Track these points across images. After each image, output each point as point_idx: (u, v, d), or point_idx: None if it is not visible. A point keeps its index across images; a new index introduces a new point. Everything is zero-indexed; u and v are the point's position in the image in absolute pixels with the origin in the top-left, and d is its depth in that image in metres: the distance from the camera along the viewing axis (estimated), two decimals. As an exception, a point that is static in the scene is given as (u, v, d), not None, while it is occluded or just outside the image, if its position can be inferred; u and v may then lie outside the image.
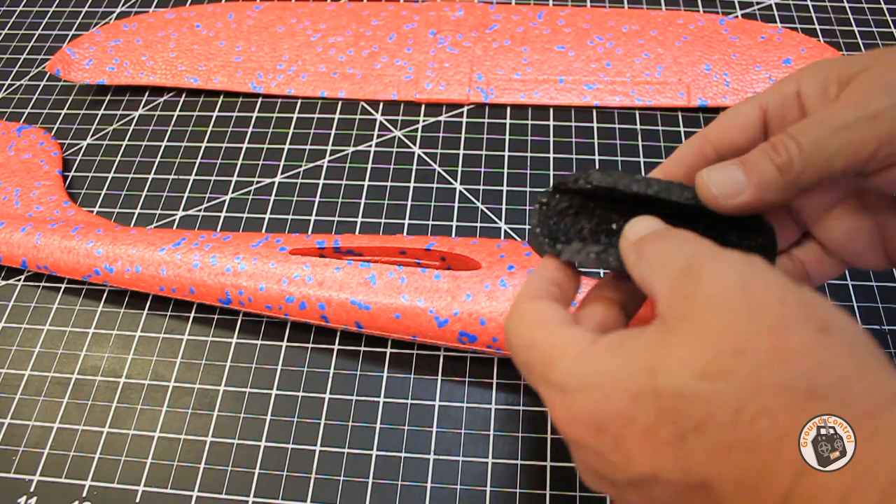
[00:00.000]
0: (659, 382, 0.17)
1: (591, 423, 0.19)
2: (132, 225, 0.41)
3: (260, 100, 0.45)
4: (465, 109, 0.44)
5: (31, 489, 0.33)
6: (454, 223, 0.39)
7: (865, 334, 0.17)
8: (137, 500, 0.32)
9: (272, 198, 0.41)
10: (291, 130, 0.44)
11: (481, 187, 0.40)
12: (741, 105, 0.24)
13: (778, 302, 0.17)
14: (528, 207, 0.39)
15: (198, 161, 0.43)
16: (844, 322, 0.17)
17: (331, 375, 0.35)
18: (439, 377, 0.34)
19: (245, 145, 0.43)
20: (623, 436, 0.18)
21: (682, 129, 0.42)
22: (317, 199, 0.41)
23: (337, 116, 0.44)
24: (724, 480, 0.16)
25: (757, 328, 0.17)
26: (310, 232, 0.39)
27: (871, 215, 0.24)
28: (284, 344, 0.36)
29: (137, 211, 0.41)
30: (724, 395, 0.16)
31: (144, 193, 0.42)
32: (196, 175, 0.42)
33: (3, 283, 0.39)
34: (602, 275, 0.33)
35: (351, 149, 0.43)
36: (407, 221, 0.39)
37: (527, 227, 0.39)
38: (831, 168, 0.21)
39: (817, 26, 0.46)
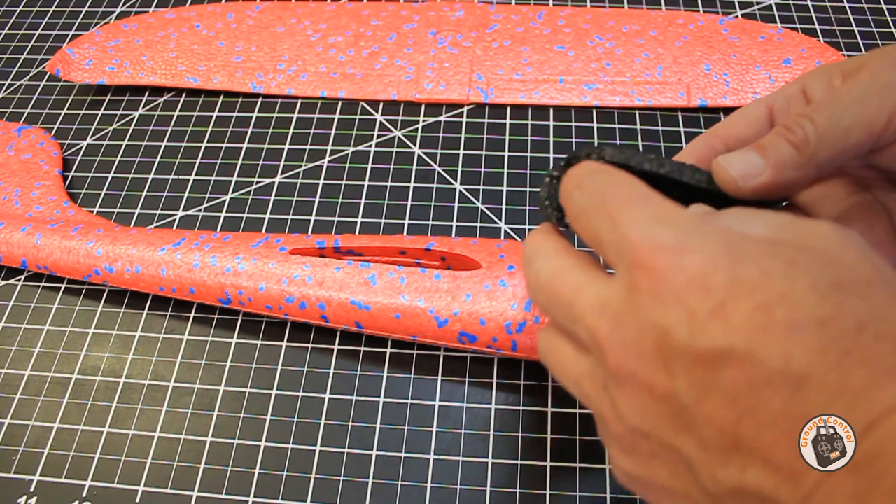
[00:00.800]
0: (794, 271, 0.17)
1: (702, 278, 0.17)
2: (132, 225, 0.41)
3: (260, 100, 0.45)
4: (465, 109, 0.44)
5: (31, 489, 0.33)
6: (454, 223, 0.39)
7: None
8: (137, 500, 0.32)
9: (272, 198, 0.41)
10: (291, 130, 0.44)
11: (481, 187, 0.40)
12: (749, 106, 0.25)
13: (886, 267, 0.18)
14: (528, 207, 0.39)
15: (198, 161, 0.43)
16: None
17: (331, 375, 0.35)
18: (439, 377, 0.34)
19: (245, 145, 0.43)
20: (732, 302, 0.17)
21: (682, 129, 0.42)
22: (317, 199, 0.41)
23: (337, 116, 0.44)
24: (827, 381, 0.16)
25: (884, 276, 0.17)
26: (310, 232, 0.39)
27: (883, 208, 0.24)
28: (284, 344, 0.36)
29: (137, 211, 0.41)
30: (855, 308, 0.16)
31: (144, 193, 0.42)
32: (196, 175, 0.42)
33: (3, 283, 0.39)
34: None
35: (351, 149, 0.43)
36: (407, 221, 0.39)
37: (527, 227, 0.39)
38: (848, 141, 0.21)
39: (817, 26, 0.46)
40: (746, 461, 0.16)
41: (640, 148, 0.41)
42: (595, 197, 0.20)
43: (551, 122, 0.43)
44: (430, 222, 0.39)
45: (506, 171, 0.41)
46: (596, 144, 0.24)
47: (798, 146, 0.22)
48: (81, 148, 0.44)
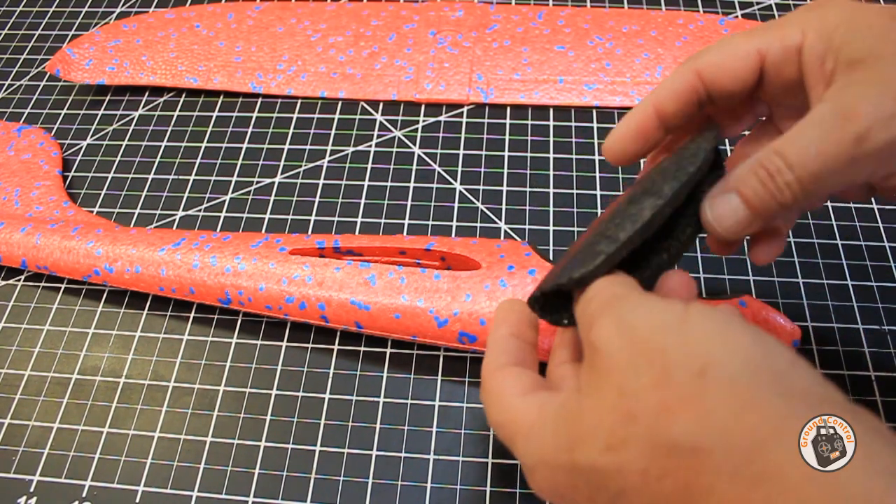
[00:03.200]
0: (577, 458, 0.19)
1: (552, 495, 0.20)
2: (132, 225, 0.41)
3: (260, 100, 0.45)
4: (465, 109, 0.44)
5: (31, 489, 0.33)
6: (454, 223, 0.39)
7: (747, 365, 0.17)
8: (137, 500, 0.32)
9: (272, 198, 0.41)
10: (291, 130, 0.44)
11: (481, 187, 0.40)
12: (740, 42, 0.23)
13: (660, 351, 0.18)
14: (528, 207, 0.39)
15: (198, 161, 0.43)
16: (724, 358, 0.17)
17: (331, 375, 0.35)
18: (439, 377, 0.34)
19: (245, 145, 0.43)
20: (577, 502, 0.19)
21: (682, 129, 0.42)
22: (317, 199, 0.41)
23: (337, 116, 0.44)
24: None
25: (643, 384, 0.18)
26: (310, 232, 0.39)
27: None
28: (284, 344, 0.36)
29: (137, 211, 0.41)
30: (630, 462, 0.17)
31: (144, 193, 0.42)
32: (196, 175, 0.42)
33: (3, 283, 0.39)
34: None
35: (351, 149, 0.43)
36: (407, 221, 0.39)
37: (527, 227, 0.39)
38: (826, 191, 0.21)
39: (817, 26, 0.46)
40: None
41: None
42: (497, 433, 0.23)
43: (551, 122, 0.43)
44: (430, 222, 0.39)
45: (506, 171, 0.41)
46: (546, 280, 0.24)
47: (777, 199, 0.21)
48: (81, 148, 0.44)
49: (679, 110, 0.24)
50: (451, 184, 0.41)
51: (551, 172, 0.41)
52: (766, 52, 0.23)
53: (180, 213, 0.41)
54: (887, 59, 0.21)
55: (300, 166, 0.42)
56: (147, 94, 0.47)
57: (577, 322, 0.22)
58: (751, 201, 0.22)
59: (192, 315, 0.37)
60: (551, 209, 0.39)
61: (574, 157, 0.41)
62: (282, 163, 0.42)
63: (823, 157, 0.20)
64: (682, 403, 0.17)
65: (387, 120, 0.44)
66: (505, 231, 0.39)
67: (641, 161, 0.28)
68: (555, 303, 0.24)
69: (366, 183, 0.41)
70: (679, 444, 0.17)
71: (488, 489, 0.31)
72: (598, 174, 0.40)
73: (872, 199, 0.39)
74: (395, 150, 0.42)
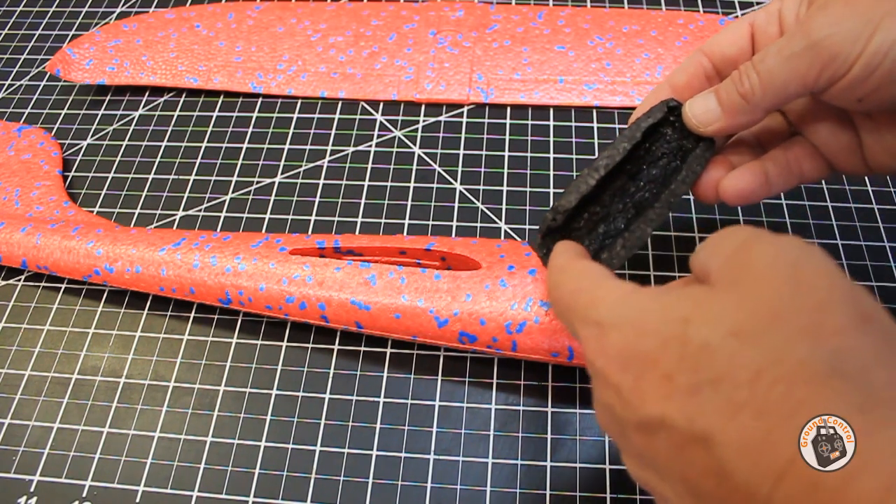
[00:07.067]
0: (689, 331, 0.18)
1: (619, 359, 0.19)
2: (132, 225, 0.41)
3: (260, 100, 0.45)
4: (465, 109, 0.44)
5: (31, 489, 0.33)
6: (454, 223, 0.39)
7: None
8: (137, 500, 0.32)
9: (272, 198, 0.41)
10: (291, 130, 0.44)
11: (481, 187, 0.40)
12: (735, 22, 0.28)
13: (825, 286, 0.18)
14: (528, 207, 0.39)
15: (198, 161, 0.43)
16: (885, 318, 0.17)
17: (331, 375, 0.35)
18: (439, 377, 0.34)
19: (245, 145, 0.43)
20: (643, 376, 0.18)
21: (682, 129, 0.42)
22: (317, 199, 0.41)
23: (337, 116, 0.44)
24: (727, 439, 0.16)
25: (799, 303, 0.17)
26: (310, 232, 0.39)
27: (850, 122, 0.27)
28: (284, 344, 0.36)
29: (137, 211, 0.41)
30: (748, 356, 0.17)
31: (144, 193, 0.42)
32: (196, 175, 0.42)
33: (3, 283, 0.39)
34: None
35: (351, 149, 0.43)
36: (407, 221, 0.39)
37: (527, 227, 0.39)
38: (786, 92, 0.25)
39: (817, 26, 0.46)
40: None
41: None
42: (555, 304, 0.24)
43: (551, 122, 0.43)
44: (430, 222, 0.39)
45: (506, 171, 0.41)
46: (552, 206, 0.27)
47: (745, 96, 0.25)
48: (81, 148, 0.44)
49: (688, 81, 0.29)
50: (451, 184, 0.41)
51: (551, 172, 0.41)
52: (754, 20, 0.27)
53: (180, 213, 0.41)
54: None
55: (300, 166, 0.42)
56: (147, 94, 0.47)
57: (714, 251, 0.21)
58: (721, 97, 0.26)
59: (192, 315, 0.37)
60: (551, 209, 0.39)
61: (574, 157, 0.41)
62: (282, 163, 0.42)
63: (779, 57, 0.24)
64: (837, 331, 0.16)
65: (387, 120, 0.44)
66: (505, 231, 0.39)
67: None
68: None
69: (366, 183, 0.41)
70: (818, 362, 0.16)
71: (488, 489, 0.31)
72: (598, 174, 0.40)
73: (872, 200, 0.39)
74: (395, 150, 0.42)
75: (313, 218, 0.40)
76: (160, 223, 0.41)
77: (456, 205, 0.40)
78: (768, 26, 0.27)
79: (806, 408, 0.16)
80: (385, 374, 0.34)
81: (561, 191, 0.40)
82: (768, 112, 0.26)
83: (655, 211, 0.27)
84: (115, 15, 0.52)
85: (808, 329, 0.17)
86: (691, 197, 0.37)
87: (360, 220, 0.40)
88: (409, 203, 0.40)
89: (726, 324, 0.17)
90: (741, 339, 0.17)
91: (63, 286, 0.39)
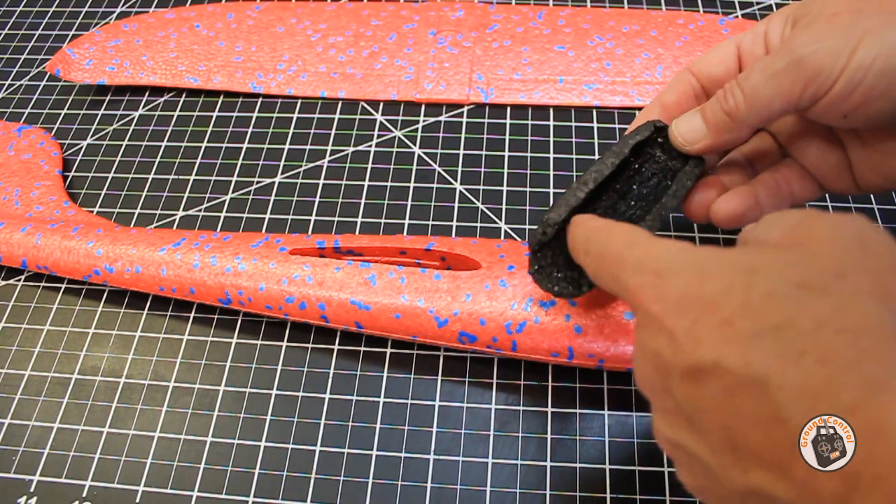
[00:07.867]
0: (754, 279, 0.18)
1: (677, 303, 0.19)
2: (132, 225, 0.41)
3: (260, 100, 0.45)
4: (465, 109, 0.44)
5: (31, 489, 0.33)
6: (454, 223, 0.39)
7: None
8: (137, 500, 0.32)
9: (272, 198, 0.41)
10: (291, 130, 0.44)
11: (481, 187, 0.40)
12: (722, 43, 0.28)
13: (891, 253, 0.18)
14: (528, 207, 0.39)
15: (198, 161, 0.43)
16: None
17: (331, 375, 0.35)
18: (439, 377, 0.34)
19: (245, 145, 0.43)
20: (701, 319, 0.18)
21: (682, 129, 0.42)
22: (317, 199, 0.41)
23: (337, 116, 0.44)
24: (786, 382, 0.16)
25: (866, 265, 0.18)
26: (310, 232, 0.39)
27: (838, 142, 0.28)
28: (284, 344, 0.36)
29: (137, 211, 0.41)
30: (814, 306, 0.17)
31: (144, 193, 0.42)
32: (196, 175, 0.42)
33: (3, 283, 0.39)
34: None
35: (351, 149, 0.43)
36: (407, 221, 0.39)
37: (527, 227, 0.39)
38: (770, 109, 0.25)
39: (817, 26, 0.46)
40: (748, 463, 0.17)
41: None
42: (598, 260, 0.24)
43: (551, 122, 0.43)
44: (430, 222, 0.39)
45: (506, 171, 0.41)
46: (541, 220, 0.28)
47: (730, 114, 0.25)
48: (81, 148, 0.44)
49: (677, 100, 0.29)
50: (451, 184, 0.41)
51: (551, 172, 0.41)
52: (741, 41, 0.28)
53: (180, 213, 0.41)
54: (840, 13, 0.24)
55: (300, 166, 0.42)
56: (147, 94, 0.47)
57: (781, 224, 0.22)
58: (706, 115, 0.27)
59: (192, 315, 0.37)
60: (551, 209, 0.39)
61: (574, 157, 0.41)
62: (282, 163, 0.42)
63: (763, 74, 0.24)
64: None
65: (387, 120, 0.44)
66: (505, 231, 0.39)
67: None
68: (549, 265, 0.29)
69: (366, 183, 0.41)
70: (884, 319, 0.16)
71: (488, 489, 0.31)
72: (598, 174, 0.40)
73: (872, 199, 0.39)
74: (395, 150, 0.42)
75: (313, 218, 0.40)
76: (160, 223, 0.41)
77: (456, 205, 0.40)
78: (754, 47, 0.27)
79: (871, 357, 0.16)
80: (385, 374, 0.34)
81: (561, 191, 0.40)
82: (754, 129, 0.26)
83: (647, 224, 0.28)
84: (115, 15, 0.52)
85: (875, 290, 0.17)
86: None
87: (360, 220, 0.40)
88: (409, 203, 0.40)
89: (793, 276, 0.18)
90: (807, 290, 0.17)
91: (63, 286, 0.39)
